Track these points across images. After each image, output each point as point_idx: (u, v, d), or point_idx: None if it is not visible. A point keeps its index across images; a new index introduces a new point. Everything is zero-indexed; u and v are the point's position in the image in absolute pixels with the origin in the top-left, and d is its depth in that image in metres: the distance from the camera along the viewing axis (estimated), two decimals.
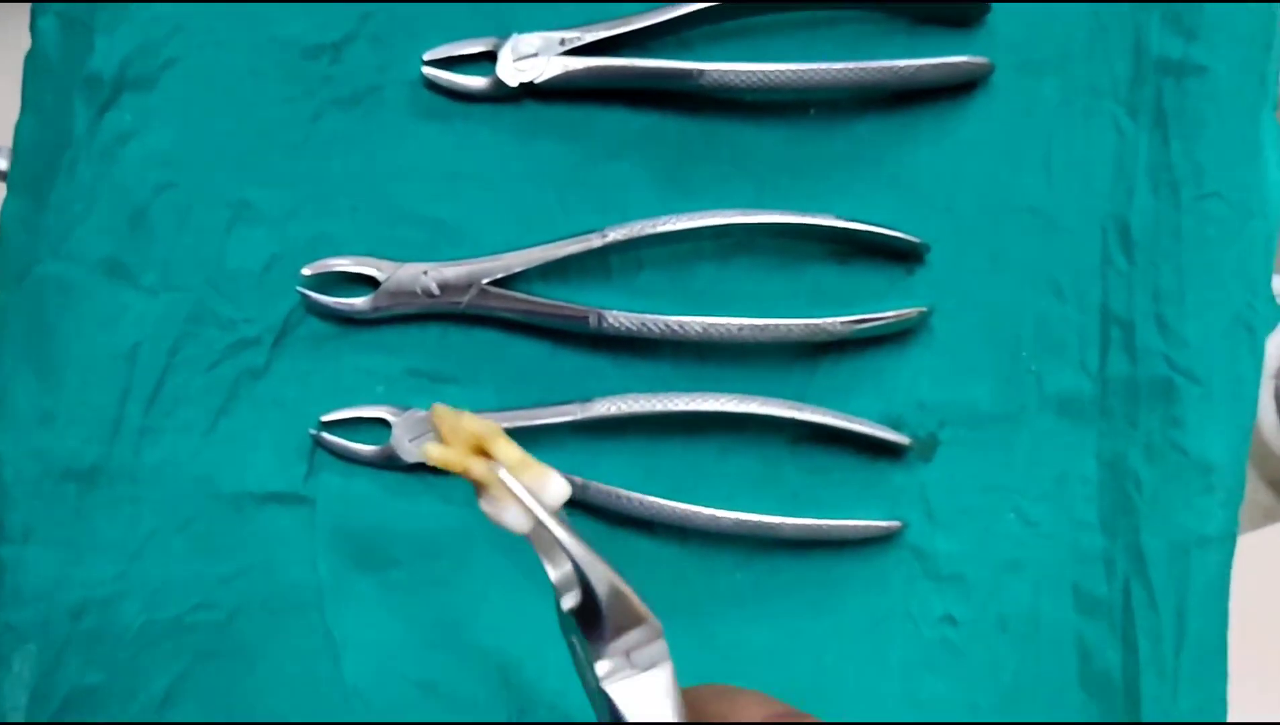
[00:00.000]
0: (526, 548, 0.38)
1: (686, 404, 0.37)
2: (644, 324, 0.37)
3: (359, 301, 0.38)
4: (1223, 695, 0.36)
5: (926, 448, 0.38)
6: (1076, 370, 0.38)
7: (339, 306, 0.39)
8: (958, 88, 0.39)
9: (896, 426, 0.38)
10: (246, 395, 0.39)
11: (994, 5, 0.39)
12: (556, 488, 0.27)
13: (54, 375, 0.38)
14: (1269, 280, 0.38)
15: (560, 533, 0.26)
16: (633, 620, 0.27)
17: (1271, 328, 0.38)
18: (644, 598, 0.28)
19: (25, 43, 0.40)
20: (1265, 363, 0.43)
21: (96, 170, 0.39)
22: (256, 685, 0.37)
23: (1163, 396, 0.37)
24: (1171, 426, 0.37)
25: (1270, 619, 0.49)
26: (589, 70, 0.39)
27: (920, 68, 0.38)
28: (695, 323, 0.37)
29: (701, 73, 0.38)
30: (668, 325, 0.37)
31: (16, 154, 0.39)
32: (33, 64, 0.39)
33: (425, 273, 0.38)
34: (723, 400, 0.37)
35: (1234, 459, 0.36)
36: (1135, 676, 0.36)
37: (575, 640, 0.28)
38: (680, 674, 0.37)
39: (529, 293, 0.38)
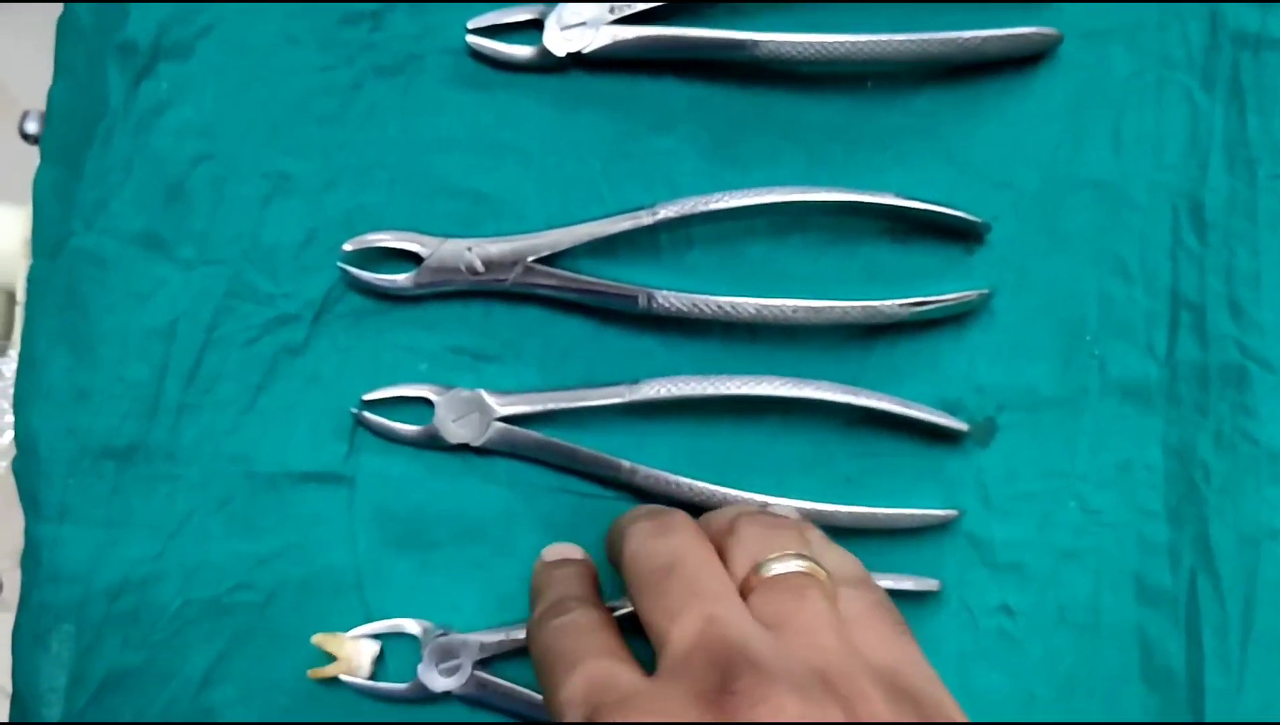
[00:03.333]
0: (571, 529, 0.38)
1: (738, 387, 0.35)
2: (695, 305, 0.36)
3: (401, 278, 0.37)
4: None
5: (984, 432, 0.37)
6: (1143, 354, 0.37)
7: (381, 283, 0.38)
8: (1022, 60, 0.38)
9: (953, 410, 0.37)
10: (286, 372, 0.38)
11: None
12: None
13: (90, 351, 0.37)
14: None
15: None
16: None
17: None
18: None
19: (56, 4, 0.39)
20: None
21: (132, 141, 0.38)
22: (295, 667, 0.37)
23: (1234, 383, 0.36)
24: (1243, 414, 0.35)
25: None
26: (639, 40, 0.37)
27: (986, 39, 0.36)
28: (748, 304, 0.35)
29: (756, 43, 0.36)
30: (719, 306, 0.36)
31: (50, 121, 0.38)
32: (65, 28, 0.38)
33: (469, 249, 0.37)
34: (776, 383, 0.35)
35: None
36: (1199, 671, 0.35)
37: None
38: None
39: (575, 270, 0.37)
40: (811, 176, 0.38)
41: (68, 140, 0.38)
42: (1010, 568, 0.37)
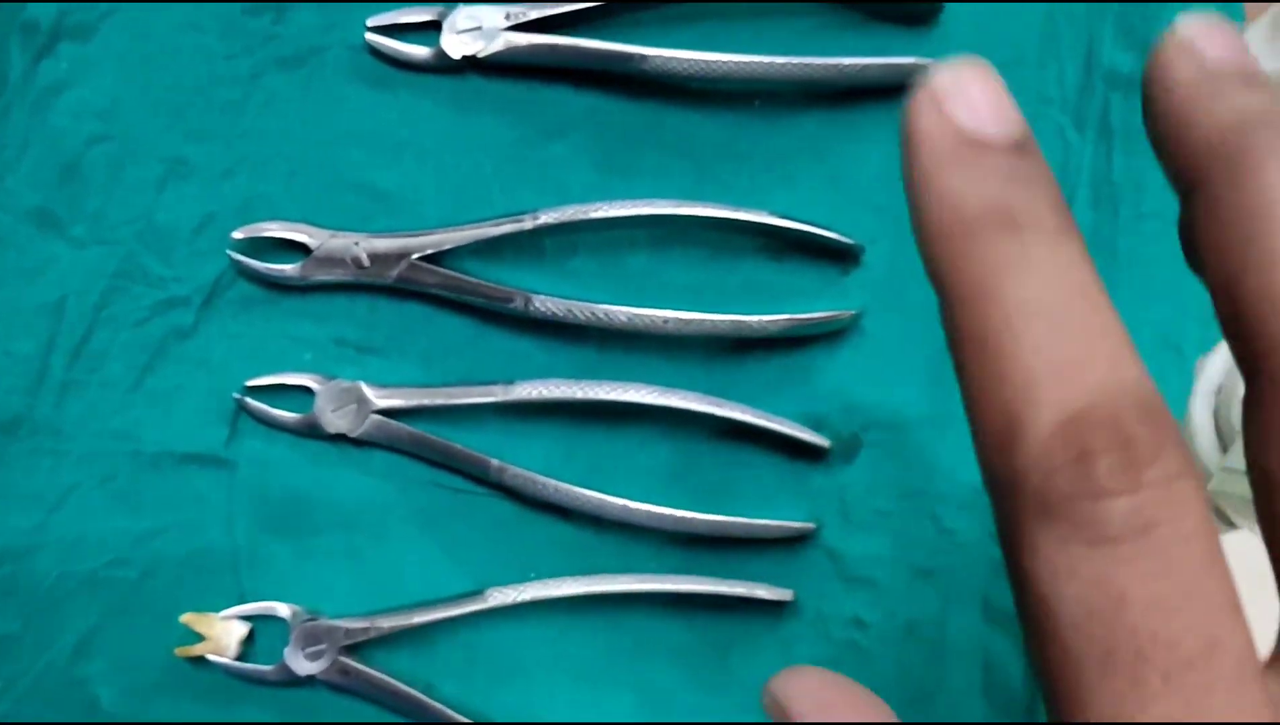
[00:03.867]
0: (442, 523, 0.38)
1: (608, 393, 0.36)
2: (570, 310, 0.37)
3: (289, 267, 0.38)
4: None
5: (848, 449, 0.38)
6: None
7: (268, 272, 0.38)
8: (905, 87, 0.38)
9: (820, 426, 0.38)
10: (173, 354, 0.39)
11: (948, 4, 0.38)
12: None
13: None
14: (1202, 301, 0.37)
15: None
16: None
17: (1203, 348, 0.38)
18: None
19: None
20: (1205, 380, 0.43)
21: (29, 118, 0.39)
22: (167, 644, 0.38)
23: None
24: None
25: None
26: (533, 47, 0.38)
27: (866, 67, 0.37)
28: (621, 312, 0.36)
29: (645, 58, 0.37)
30: (594, 313, 0.37)
31: None
32: None
33: (357, 244, 0.38)
34: (643, 392, 0.36)
35: None
36: (1036, 689, 0.37)
37: None
38: (589, 659, 0.38)
39: (460, 270, 0.38)
40: (700, 191, 0.39)
41: None
42: (864, 582, 0.38)
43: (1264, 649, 0.20)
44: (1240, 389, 0.46)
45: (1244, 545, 0.44)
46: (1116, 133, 0.37)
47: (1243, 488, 0.39)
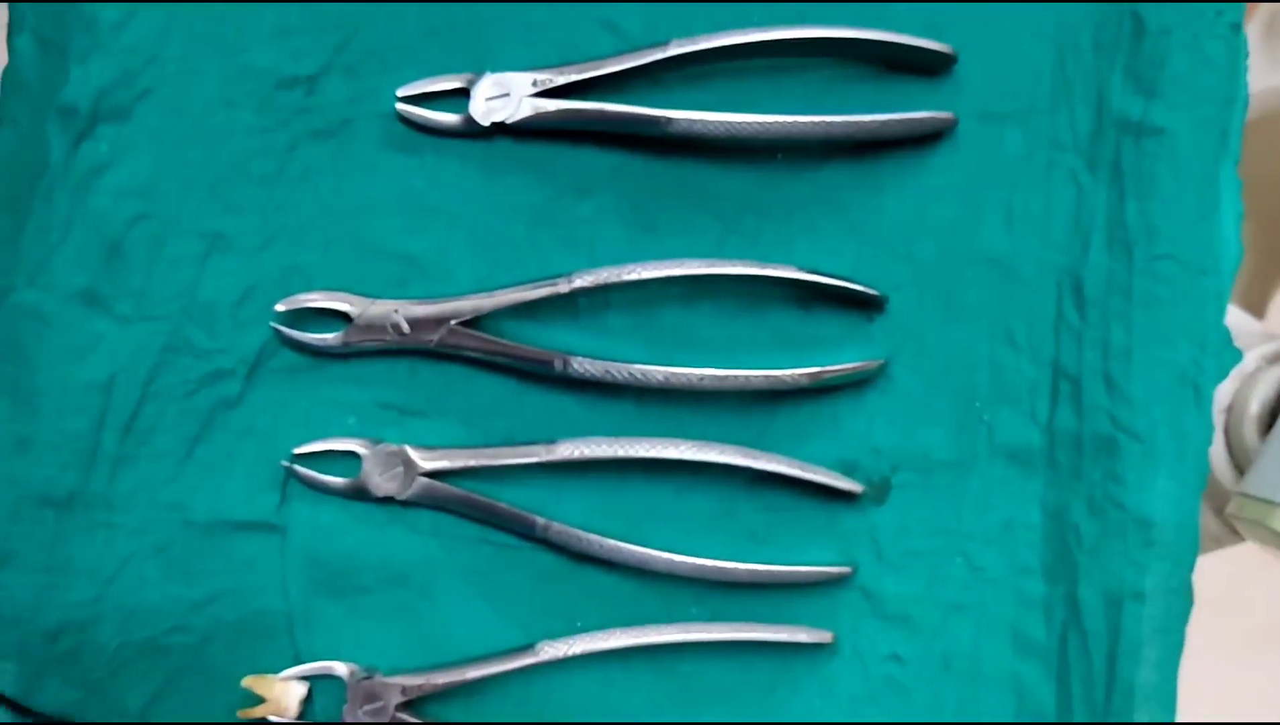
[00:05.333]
0: (489, 578, 0.40)
1: (647, 450, 0.38)
2: (608, 371, 0.38)
3: (331, 337, 0.39)
4: None
5: (879, 492, 0.40)
6: (1026, 421, 0.39)
7: (311, 341, 0.39)
8: (922, 138, 0.40)
9: (851, 470, 0.39)
10: (221, 424, 0.40)
11: (961, 54, 0.39)
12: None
13: (30, 403, 0.39)
14: (1219, 335, 0.38)
15: None
16: None
17: (1220, 381, 0.39)
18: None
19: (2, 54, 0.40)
20: (1215, 401, 0.45)
21: (72, 200, 0.39)
22: (228, 707, 0.39)
23: (1105, 452, 0.38)
24: (1112, 482, 0.38)
25: (1219, 642, 0.51)
26: (560, 112, 0.39)
27: (885, 122, 0.38)
28: (658, 372, 0.38)
29: (669, 120, 0.38)
30: (631, 373, 0.38)
31: None
32: (10, 80, 0.40)
33: (396, 311, 0.39)
34: (681, 447, 0.38)
35: (1179, 515, 0.37)
36: (1068, 716, 0.38)
37: None
38: (638, 706, 0.39)
39: (497, 333, 0.39)
40: (724, 244, 0.40)
41: (12, 192, 0.40)
42: (900, 619, 0.39)
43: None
44: (1252, 407, 0.47)
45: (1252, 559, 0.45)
46: (1128, 176, 0.39)
47: (1258, 512, 0.41)
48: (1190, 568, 0.38)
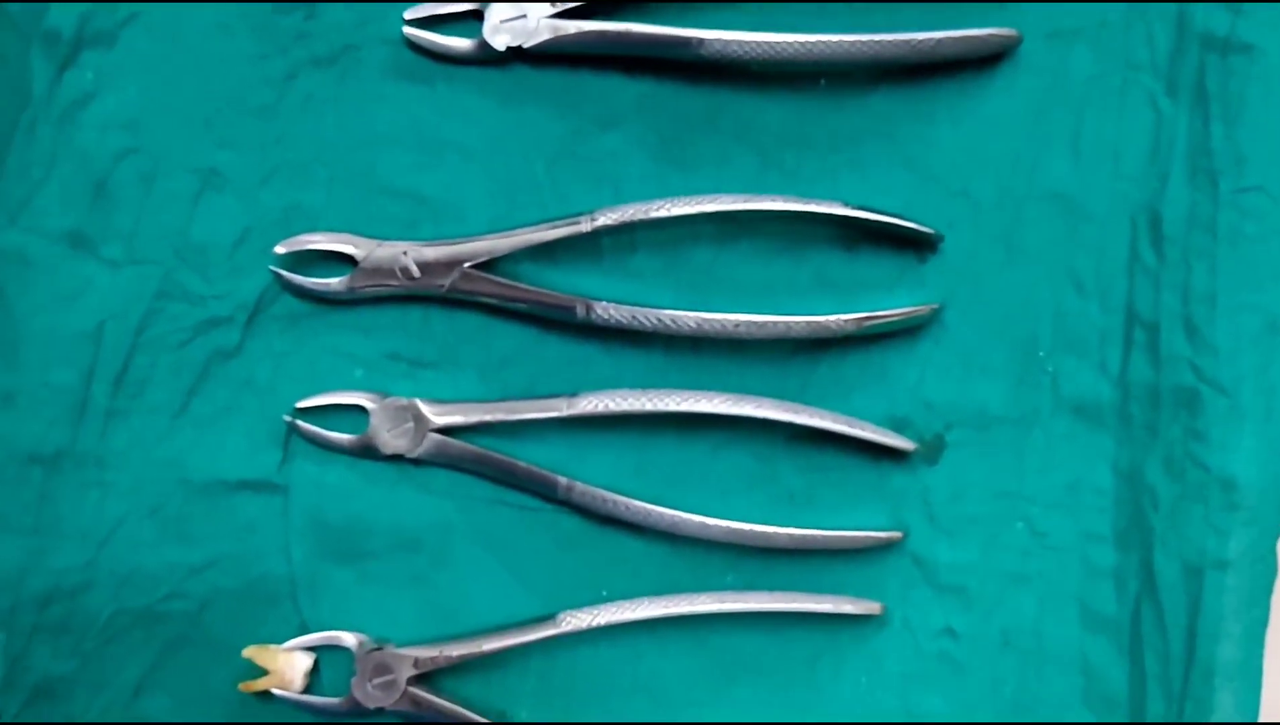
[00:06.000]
0: (508, 543, 0.37)
1: (678, 403, 0.35)
2: (634, 317, 0.35)
3: (335, 282, 0.37)
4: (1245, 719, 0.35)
5: (932, 450, 0.36)
6: (1096, 372, 0.36)
7: (314, 287, 0.37)
8: (981, 61, 0.36)
9: (901, 427, 0.36)
10: (218, 376, 0.37)
11: None
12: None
13: (13, 353, 0.37)
14: None
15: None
16: None
17: None
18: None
19: None
20: None
21: (56, 133, 0.37)
22: (229, 678, 0.36)
23: (1186, 407, 0.35)
24: (1194, 440, 0.35)
25: None
26: (581, 35, 0.36)
27: (940, 41, 0.35)
28: (689, 317, 0.35)
29: (701, 41, 0.35)
30: (659, 319, 0.35)
31: None
32: None
33: (405, 253, 0.36)
34: (715, 401, 0.35)
35: (1264, 477, 0.34)
36: (1141, 699, 0.35)
37: None
38: (669, 682, 0.36)
39: (515, 276, 0.36)
40: (763, 179, 0.37)
41: None
42: (954, 590, 0.36)
43: None
44: None
45: None
46: (1214, 99, 0.35)
47: None
48: (1277, 535, 0.35)
